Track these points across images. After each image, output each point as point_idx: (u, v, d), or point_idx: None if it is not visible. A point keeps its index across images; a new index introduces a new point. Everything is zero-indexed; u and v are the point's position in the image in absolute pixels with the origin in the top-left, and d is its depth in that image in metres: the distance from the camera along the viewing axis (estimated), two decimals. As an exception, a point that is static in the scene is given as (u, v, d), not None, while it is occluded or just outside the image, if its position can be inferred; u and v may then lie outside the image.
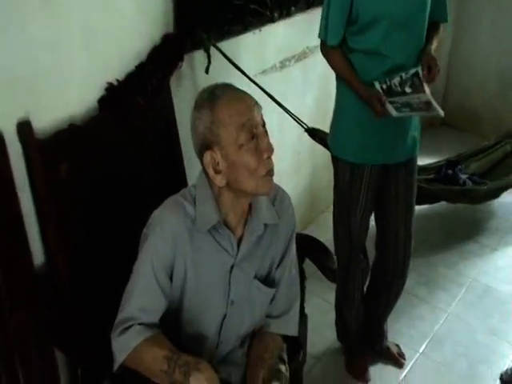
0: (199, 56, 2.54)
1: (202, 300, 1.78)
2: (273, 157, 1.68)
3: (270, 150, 1.68)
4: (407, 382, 2.86)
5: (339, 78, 2.48)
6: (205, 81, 2.42)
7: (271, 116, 2.82)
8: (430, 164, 3.91)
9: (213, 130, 1.64)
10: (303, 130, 2.92)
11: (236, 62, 2.60)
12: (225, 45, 2.62)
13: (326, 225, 3.33)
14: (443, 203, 3.71)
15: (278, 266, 1.93)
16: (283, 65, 3.15)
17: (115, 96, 2.10)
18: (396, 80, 2.23)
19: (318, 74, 3.41)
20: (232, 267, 1.81)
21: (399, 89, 2.23)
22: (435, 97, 2.25)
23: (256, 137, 1.66)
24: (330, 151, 2.61)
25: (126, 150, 2.15)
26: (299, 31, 3.19)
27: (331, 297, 2.90)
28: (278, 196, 1.90)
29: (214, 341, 1.86)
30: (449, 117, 4.84)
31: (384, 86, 2.27)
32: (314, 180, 3.76)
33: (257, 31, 2.88)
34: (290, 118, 2.86)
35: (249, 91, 1.72)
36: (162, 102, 2.28)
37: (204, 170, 1.73)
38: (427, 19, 2.38)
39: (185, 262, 1.74)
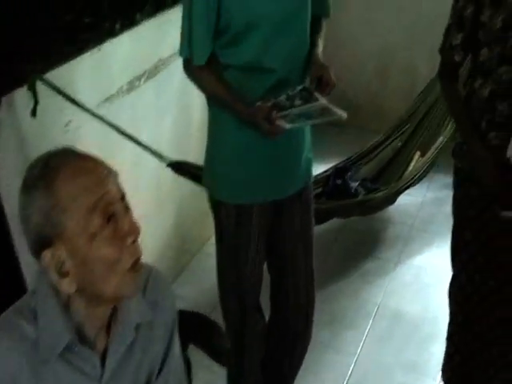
0: (22, 95, 2.06)
1: None
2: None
3: (135, 231, 1.32)
4: None
5: (212, 102, 2.11)
6: (33, 127, 2.04)
7: (123, 148, 2.49)
8: (316, 176, 3.55)
9: (52, 219, 1.26)
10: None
11: (71, 94, 2.20)
12: (55, 74, 2.20)
13: (200, 271, 3.00)
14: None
15: (159, 373, 1.51)
16: (132, 86, 2.68)
17: None
18: (282, 97, 1.99)
19: (175, 90, 2.97)
20: None
21: (287, 103, 1.98)
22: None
23: (114, 218, 1.29)
24: (207, 192, 2.22)
25: None
26: (149, 41, 2.76)
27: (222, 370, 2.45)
28: (149, 279, 1.49)
29: None
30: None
31: (269, 104, 1.98)
32: (180, 218, 3.27)
33: (95, 50, 2.43)
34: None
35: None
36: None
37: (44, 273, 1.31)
38: (309, 17, 2.07)
39: None
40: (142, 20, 2.66)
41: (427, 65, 4.23)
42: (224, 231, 2.21)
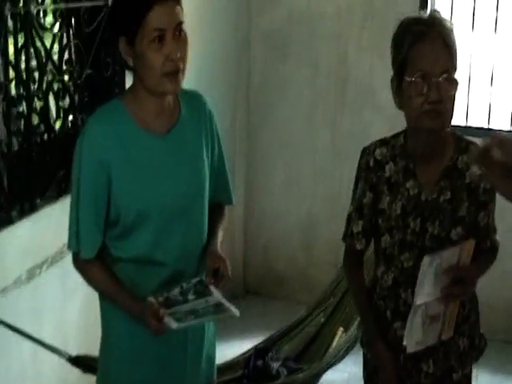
0: None
1: None
2: None
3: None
4: None
5: (103, 297, 2.02)
6: None
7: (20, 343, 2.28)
8: (235, 359, 3.41)
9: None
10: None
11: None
12: None
13: None
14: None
15: None
16: (32, 274, 2.58)
17: None
18: (176, 291, 1.92)
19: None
20: None
21: (180, 298, 1.91)
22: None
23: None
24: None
25: None
26: (51, 227, 2.67)
27: None
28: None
29: None
30: (252, 284, 4.66)
31: (161, 299, 1.90)
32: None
33: (-13, 241, 2.30)
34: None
35: None
36: None
37: None
38: (207, 205, 2.03)
39: None
40: (44, 205, 2.62)
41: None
42: None
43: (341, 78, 4.20)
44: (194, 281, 1.94)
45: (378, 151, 2.08)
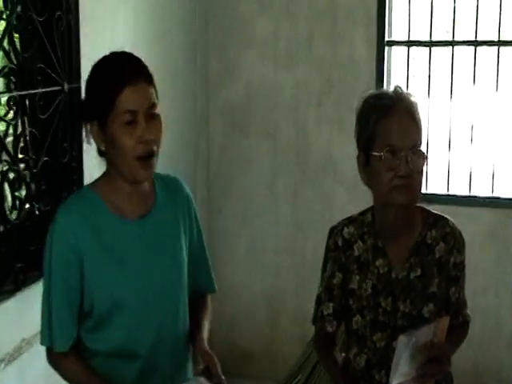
0: None
1: None
2: None
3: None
4: None
5: None
6: None
7: None
8: None
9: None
10: None
11: None
12: None
13: None
14: None
15: None
16: (-12, 375, 2.41)
17: None
18: None
19: (41, 372, 2.67)
20: None
21: None
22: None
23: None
24: None
25: None
26: (9, 323, 2.54)
27: None
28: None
29: None
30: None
31: None
32: None
33: None
34: None
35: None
36: None
37: None
38: (184, 293, 1.96)
39: None
40: (0, 301, 2.47)
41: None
42: None
43: (301, 150, 4.21)
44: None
45: (345, 230, 2.06)
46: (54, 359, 1.89)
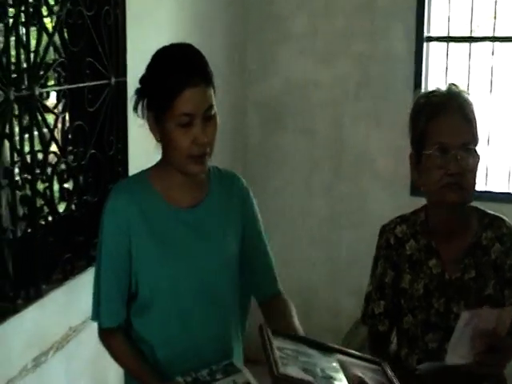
0: None
1: None
2: None
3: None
4: None
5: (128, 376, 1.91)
6: None
7: None
8: None
9: None
10: None
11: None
12: None
13: None
14: None
15: None
16: (38, 363, 2.42)
17: None
18: (204, 372, 1.83)
19: (86, 361, 2.70)
20: None
21: (208, 378, 1.82)
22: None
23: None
24: None
25: None
26: (58, 312, 2.53)
27: None
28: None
29: None
30: (252, 351, 4.39)
31: (189, 379, 1.81)
32: None
33: (-8, 331, 2.17)
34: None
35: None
36: None
37: None
38: (235, 287, 1.92)
39: None
40: (50, 290, 2.46)
41: (350, 303, 4.15)
42: None
43: (337, 145, 4.16)
44: (224, 363, 1.85)
45: (398, 228, 2.01)
46: (102, 336, 1.88)
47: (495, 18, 3.85)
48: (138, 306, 1.84)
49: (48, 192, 2.46)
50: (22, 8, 2.26)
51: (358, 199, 4.15)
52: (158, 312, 1.83)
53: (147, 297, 1.82)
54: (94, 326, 1.90)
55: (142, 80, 1.81)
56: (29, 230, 2.36)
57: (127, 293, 1.84)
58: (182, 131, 1.73)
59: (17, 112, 2.26)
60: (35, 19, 2.33)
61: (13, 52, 2.23)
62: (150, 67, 1.79)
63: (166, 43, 1.82)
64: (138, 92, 1.81)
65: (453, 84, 1.97)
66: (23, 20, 2.27)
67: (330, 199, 4.24)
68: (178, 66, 1.73)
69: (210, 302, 1.86)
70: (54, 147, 2.50)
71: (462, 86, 2.00)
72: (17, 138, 2.27)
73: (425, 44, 3.90)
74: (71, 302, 2.57)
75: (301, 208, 4.33)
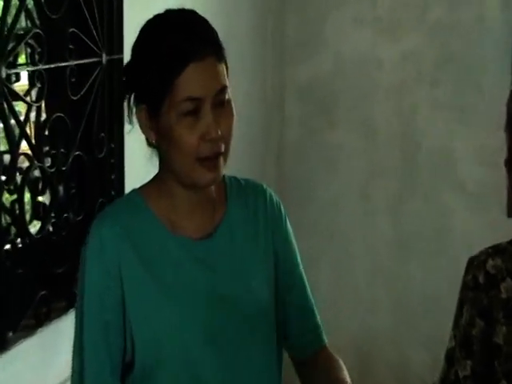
0: None
1: None
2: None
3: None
4: None
5: None
6: None
7: None
8: None
9: None
10: None
11: None
12: None
13: None
14: None
15: None
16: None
17: None
18: None
19: None
20: None
21: None
22: None
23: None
24: None
25: None
26: (29, 369, 2.57)
27: None
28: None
29: None
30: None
31: None
32: None
33: None
34: None
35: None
36: None
37: None
38: (270, 337, 1.92)
39: None
40: (17, 340, 2.50)
41: (421, 357, 4.17)
42: None
43: (407, 146, 4.20)
44: None
45: (490, 263, 1.99)
46: None
47: None
48: (137, 377, 1.86)
49: (17, 207, 2.47)
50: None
51: (435, 219, 4.21)
52: (162, 379, 1.84)
53: (147, 364, 1.84)
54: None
55: (127, 68, 1.83)
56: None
57: (121, 360, 1.85)
58: (187, 124, 1.72)
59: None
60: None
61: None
62: (138, 44, 1.80)
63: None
64: (124, 86, 1.83)
65: None
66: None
67: (396, 218, 4.32)
68: (176, 35, 1.72)
69: (234, 371, 1.87)
70: (25, 147, 2.53)
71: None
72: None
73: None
74: (47, 357, 2.62)
75: (356, 230, 4.41)
